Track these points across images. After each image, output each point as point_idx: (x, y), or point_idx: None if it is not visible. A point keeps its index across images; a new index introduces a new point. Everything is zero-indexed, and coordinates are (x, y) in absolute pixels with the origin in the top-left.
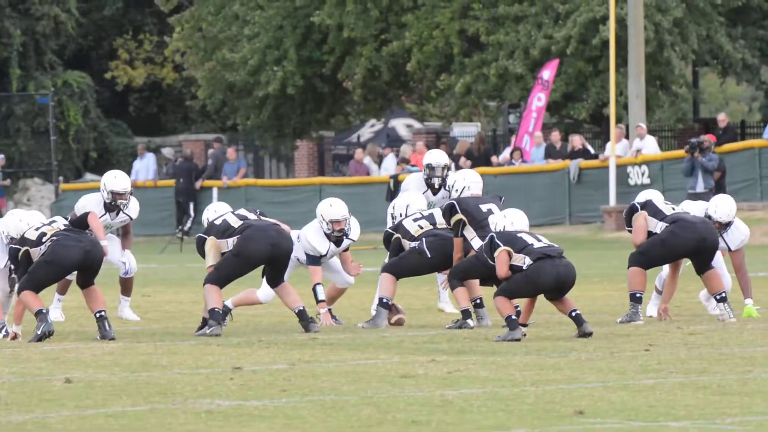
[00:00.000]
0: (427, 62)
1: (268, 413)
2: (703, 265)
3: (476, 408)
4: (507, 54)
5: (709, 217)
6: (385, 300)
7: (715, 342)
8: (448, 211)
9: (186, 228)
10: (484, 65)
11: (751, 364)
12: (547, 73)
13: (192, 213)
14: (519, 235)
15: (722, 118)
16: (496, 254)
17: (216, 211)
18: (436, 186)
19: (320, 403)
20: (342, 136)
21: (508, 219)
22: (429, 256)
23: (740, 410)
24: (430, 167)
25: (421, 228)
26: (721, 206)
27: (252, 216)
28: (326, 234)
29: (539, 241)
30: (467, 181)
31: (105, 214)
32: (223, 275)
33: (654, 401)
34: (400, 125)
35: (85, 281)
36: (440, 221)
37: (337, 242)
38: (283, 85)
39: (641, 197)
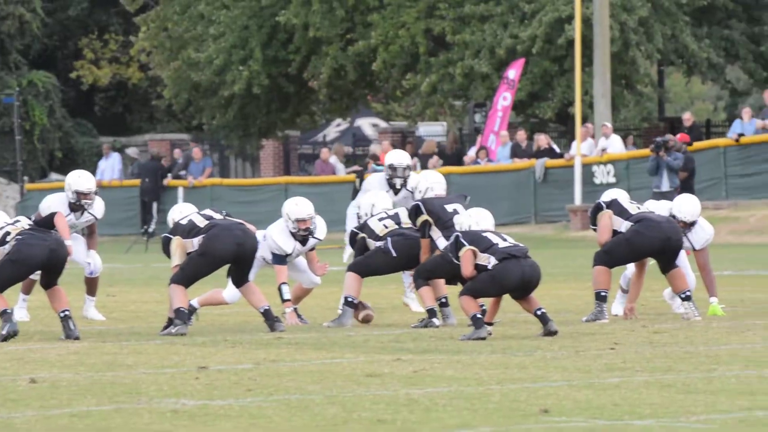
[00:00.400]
0: (393, 62)
1: (233, 413)
2: (667, 264)
3: (441, 407)
4: (473, 53)
5: (674, 217)
6: (350, 299)
7: (680, 340)
8: (414, 212)
9: (150, 229)
10: (450, 64)
11: (716, 363)
12: (513, 73)
13: (155, 214)
14: (484, 234)
15: (687, 118)
16: (461, 253)
17: (181, 211)
18: (398, 186)
19: (285, 403)
20: (308, 135)
21: (473, 218)
22: (394, 255)
23: (705, 408)
24: (393, 167)
25: (386, 227)
26: (685, 206)
27: (218, 216)
28: (292, 233)
29: (504, 240)
30: (430, 182)
31: (70, 213)
32: (188, 275)
33: (619, 400)
34: (366, 125)
35: (49, 281)
36: (405, 221)
37: (303, 241)
38: (248, 84)
39: (606, 196)
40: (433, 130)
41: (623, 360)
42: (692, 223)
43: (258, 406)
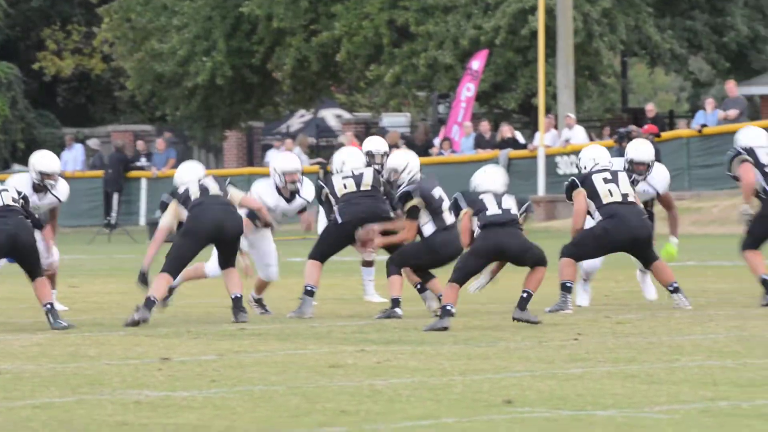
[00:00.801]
0: (357, 53)
1: (196, 404)
2: (645, 259)
3: (405, 398)
4: (436, 44)
5: (631, 161)
6: (309, 287)
7: (643, 331)
8: (405, 197)
9: (113, 220)
10: (414, 55)
11: (679, 353)
12: (477, 64)
13: (116, 205)
14: (482, 197)
15: (650, 108)
16: (460, 217)
17: (187, 172)
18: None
19: (249, 394)
20: (271, 126)
21: (480, 177)
22: (340, 221)
23: (668, 399)
24: (370, 154)
25: (345, 188)
26: (641, 148)
27: (214, 187)
28: (278, 188)
29: (498, 206)
30: (415, 166)
31: (33, 194)
32: (174, 259)
33: (582, 390)
34: (330, 115)
35: (26, 271)
36: (367, 182)
37: (289, 199)
38: (212, 75)
39: (583, 161)
40: (396, 121)
41: (586, 350)
42: (650, 165)
43: (221, 397)
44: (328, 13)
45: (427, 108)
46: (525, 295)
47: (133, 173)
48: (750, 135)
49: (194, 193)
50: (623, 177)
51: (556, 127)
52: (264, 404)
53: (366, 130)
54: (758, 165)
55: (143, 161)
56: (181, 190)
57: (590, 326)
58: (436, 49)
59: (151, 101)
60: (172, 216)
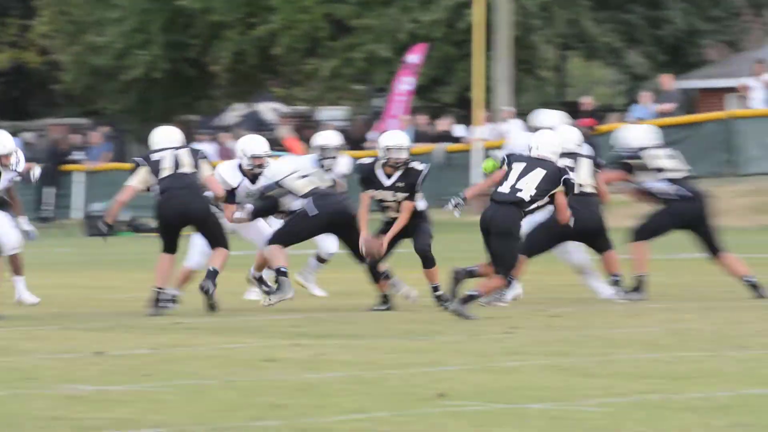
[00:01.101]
0: (295, 46)
1: (130, 398)
2: (597, 247)
3: (339, 391)
4: (374, 38)
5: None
6: (282, 269)
7: (578, 324)
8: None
9: (48, 214)
10: (352, 49)
11: (613, 347)
12: (414, 57)
13: (51, 199)
14: (512, 167)
15: (586, 102)
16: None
17: (163, 138)
18: (327, 168)
19: (183, 388)
20: (207, 120)
21: (536, 140)
22: (316, 213)
23: (601, 392)
24: (323, 148)
25: (311, 183)
26: (569, 134)
27: (188, 162)
28: (243, 170)
29: (517, 179)
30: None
31: None
32: (163, 246)
33: (515, 383)
34: (267, 109)
35: None
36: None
37: (253, 179)
38: (149, 69)
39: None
40: (334, 115)
41: (521, 344)
42: (575, 155)
43: (155, 392)
44: (266, 7)
45: (365, 102)
46: (473, 293)
47: (68, 167)
48: (629, 135)
49: (165, 168)
50: (583, 166)
51: (493, 120)
52: (198, 398)
53: (303, 123)
54: (644, 168)
55: (78, 154)
56: (154, 157)
57: (525, 319)
58: (374, 42)
59: (88, 94)
60: (138, 181)
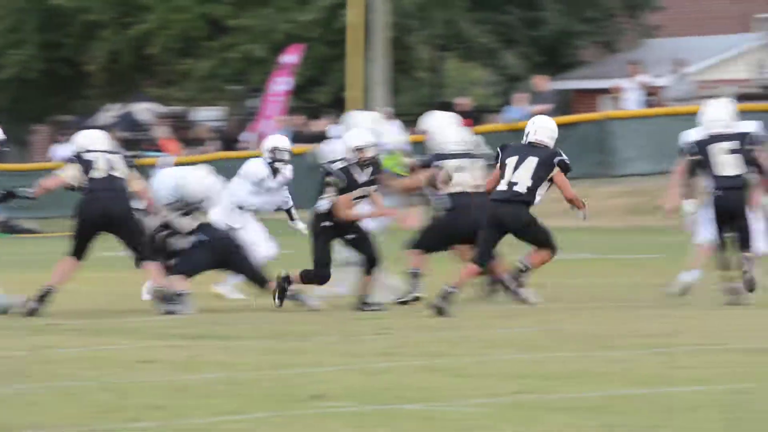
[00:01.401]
0: (170, 46)
1: (5, 400)
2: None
3: (215, 392)
4: (251, 38)
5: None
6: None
7: (454, 325)
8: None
9: None
10: (228, 49)
11: (489, 347)
12: (290, 57)
13: None
14: (509, 160)
15: (461, 102)
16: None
17: (93, 141)
18: (281, 170)
19: (58, 390)
20: (81, 120)
21: (534, 125)
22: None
23: (478, 392)
24: (277, 150)
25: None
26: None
27: (120, 166)
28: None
29: (512, 173)
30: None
31: None
32: (74, 246)
33: (390, 384)
34: (142, 109)
35: None
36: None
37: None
38: (23, 68)
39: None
40: (209, 115)
41: (396, 345)
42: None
43: (31, 393)
44: (141, 6)
45: (241, 102)
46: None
47: None
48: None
49: (98, 169)
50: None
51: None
52: (74, 400)
53: (179, 123)
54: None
55: None
56: (87, 157)
57: (400, 320)
58: (250, 43)
59: None
60: (68, 176)
